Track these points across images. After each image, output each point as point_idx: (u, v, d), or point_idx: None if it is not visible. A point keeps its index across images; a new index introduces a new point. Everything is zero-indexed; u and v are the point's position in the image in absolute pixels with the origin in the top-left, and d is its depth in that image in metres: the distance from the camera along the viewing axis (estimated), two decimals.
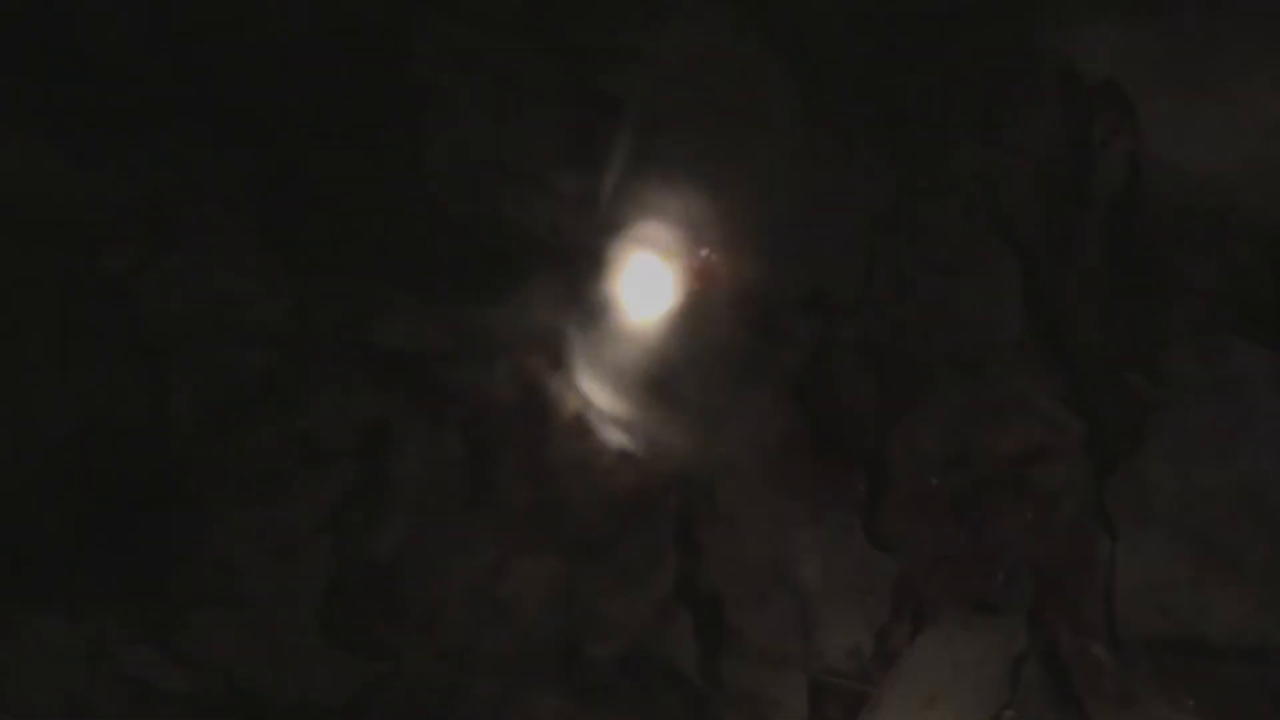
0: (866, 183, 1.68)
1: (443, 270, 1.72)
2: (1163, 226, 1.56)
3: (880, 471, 1.63)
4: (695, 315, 1.64)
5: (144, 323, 1.61)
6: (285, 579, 1.56)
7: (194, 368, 1.63)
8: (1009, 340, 1.60)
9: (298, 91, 1.72)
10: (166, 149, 1.65)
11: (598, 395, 1.67)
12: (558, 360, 1.71)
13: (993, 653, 1.47)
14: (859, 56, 1.68)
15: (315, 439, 1.63)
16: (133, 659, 1.50)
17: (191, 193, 1.66)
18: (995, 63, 1.67)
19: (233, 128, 1.68)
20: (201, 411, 1.61)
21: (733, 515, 1.62)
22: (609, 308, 1.67)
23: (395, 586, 1.58)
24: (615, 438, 1.68)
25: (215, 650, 1.53)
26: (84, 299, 1.62)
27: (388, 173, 1.77)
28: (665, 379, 1.64)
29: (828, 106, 1.69)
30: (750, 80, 1.73)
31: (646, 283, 1.66)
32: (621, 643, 1.57)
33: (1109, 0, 1.57)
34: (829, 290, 1.67)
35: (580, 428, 1.69)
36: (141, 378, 1.60)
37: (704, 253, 1.66)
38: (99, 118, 1.64)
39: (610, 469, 1.66)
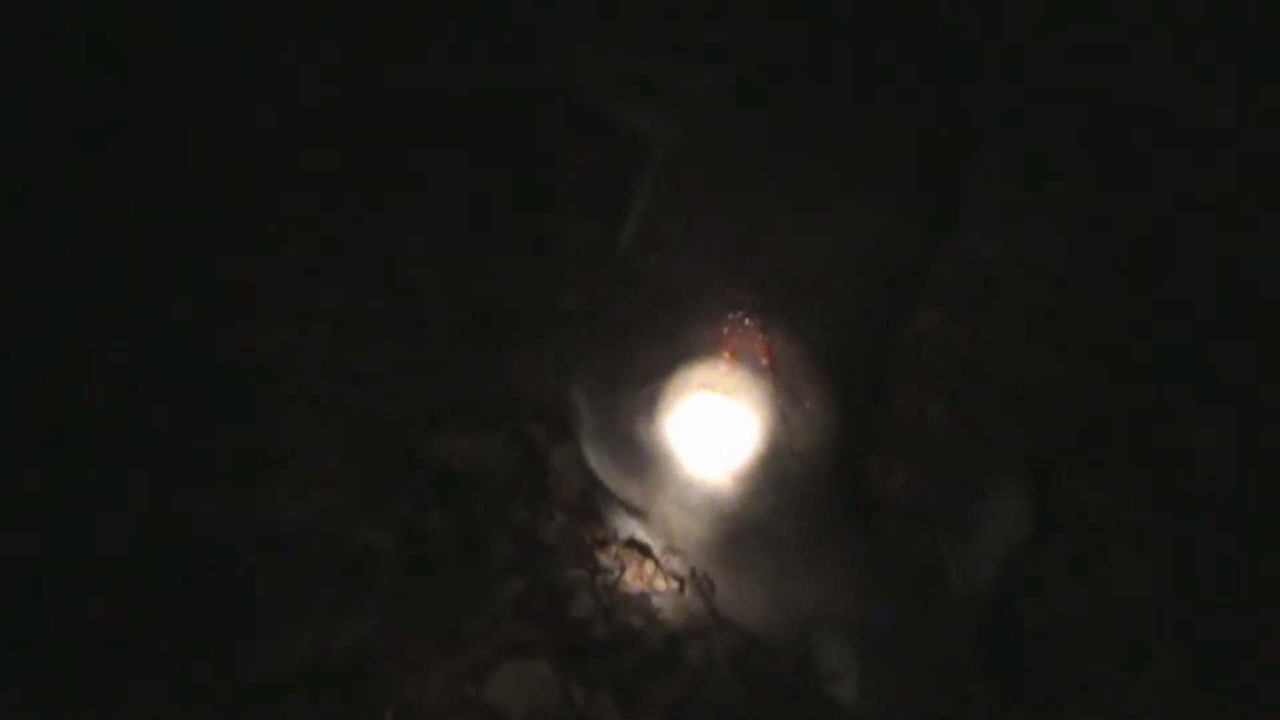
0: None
1: (435, 326, 1.62)
2: None
3: None
4: (720, 387, 1.47)
5: None
6: None
7: None
8: None
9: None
10: None
11: (606, 474, 1.51)
12: (562, 431, 1.58)
13: None
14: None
15: (278, 512, 1.49)
16: None
17: None
18: None
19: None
20: None
21: (756, 634, 1.46)
22: (623, 374, 1.51)
23: (364, 684, 1.42)
24: (623, 525, 1.53)
25: None
26: None
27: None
28: (682, 457, 1.47)
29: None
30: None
31: (667, 348, 1.50)
32: None
33: None
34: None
35: (584, 510, 1.54)
36: None
37: (737, 315, 1.51)
38: None
39: (616, 561, 1.50)
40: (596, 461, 1.53)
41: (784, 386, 1.49)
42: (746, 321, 1.51)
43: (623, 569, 1.50)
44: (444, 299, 1.66)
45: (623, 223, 1.70)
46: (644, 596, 1.48)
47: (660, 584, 1.49)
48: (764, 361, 1.50)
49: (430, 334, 1.64)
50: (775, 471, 1.46)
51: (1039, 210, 1.79)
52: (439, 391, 1.58)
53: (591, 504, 1.55)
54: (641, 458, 1.49)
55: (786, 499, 1.46)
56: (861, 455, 1.59)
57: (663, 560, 1.51)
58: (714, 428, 1.47)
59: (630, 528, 1.53)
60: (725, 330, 1.50)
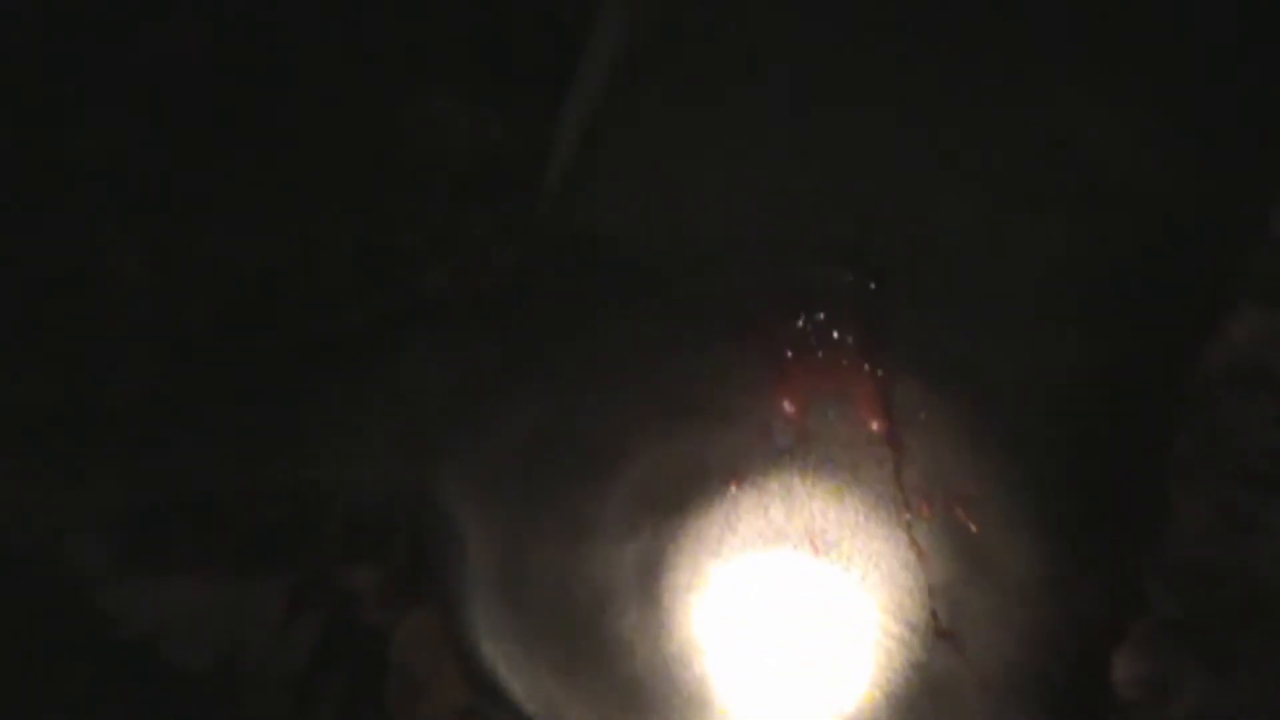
0: None
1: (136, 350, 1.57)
2: None
3: None
4: (777, 488, 1.28)
5: None
6: None
7: None
8: None
9: None
10: None
11: (518, 681, 1.37)
12: (418, 583, 1.48)
13: None
14: None
15: None
16: None
17: None
18: None
19: None
20: None
21: None
22: (560, 457, 1.34)
23: None
24: None
25: None
26: None
27: None
28: (694, 646, 1.29)
29: None
30: None
31: (657, 398, 1.33)
32: None
33: None
34: None
35: None
36: None
37: (814, 321, 1.32)
38: None
39: None
40: (497, 651, 1.37)
41: (920, 485, 1.27)
42: (834, 337, 1.29)
43: None
44: (163, 284, 1.58)
45: (554, 126, 1.58)
46: None
47: None
48: (874, 426, 1.28)
49: (127, 365, 1.54)
50: (905, 678, 1.27)
51: None
52: (142, 483, 1.46)
53: None
54: (600, 646, 1.33)
55: None
56: (1104, 642, 1.38)
57: None
58: (765, 578, 1.27)
59: None
60: (787, 357, 1.30)
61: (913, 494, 1.26)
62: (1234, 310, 1.58)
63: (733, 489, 1.26)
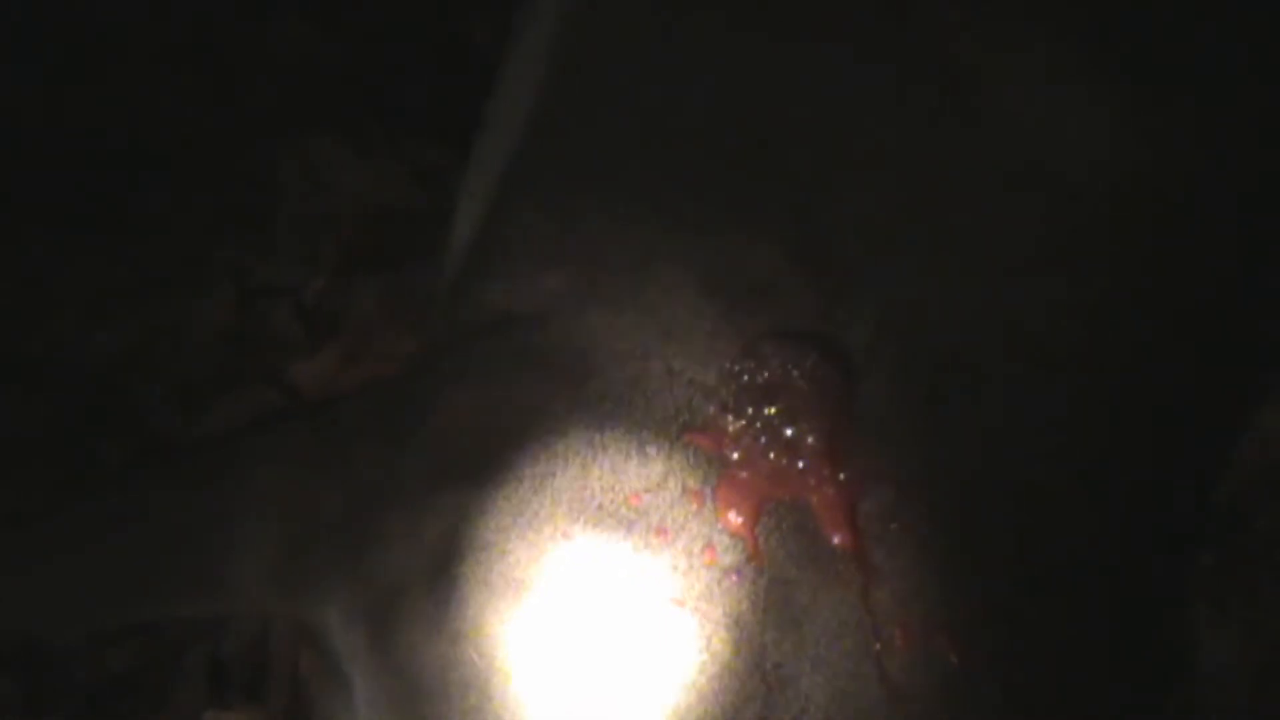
0: None
1: None
2: None
3: None
4: (717, 612, 1.37)
5: None
6: None
7: None
8: None
9: None
10: None
11: None
12: None
13: None
14: None
15: None
16: None
17: None
18: None
19: None
20: None
21: None
22: (447, 576, 1.41)
23: None
24: None
25: None
26: None
27: None
28: None
29: None
30: None
31: (580, 499, 1.41)
32: None
33: None
34: None
35: None
36: None
37: (766, 410, 1.41)
38: None
39: None
40: None
41: (892, 610, 1.37)
42: (790, 435, 1.37)
43: None
44: None
45: (460, 180, 1.64)
46: None
47: None
48: (836, 541, 1.37)
49: None
50: None
51: None
52: None
53: None
54: None
55: None
56: None
57: None
58: None
59: None
60: (733, 460, 1.38)
61: (884, 620, 1.35)
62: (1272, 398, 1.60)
63: (671, 616, 1.34)
